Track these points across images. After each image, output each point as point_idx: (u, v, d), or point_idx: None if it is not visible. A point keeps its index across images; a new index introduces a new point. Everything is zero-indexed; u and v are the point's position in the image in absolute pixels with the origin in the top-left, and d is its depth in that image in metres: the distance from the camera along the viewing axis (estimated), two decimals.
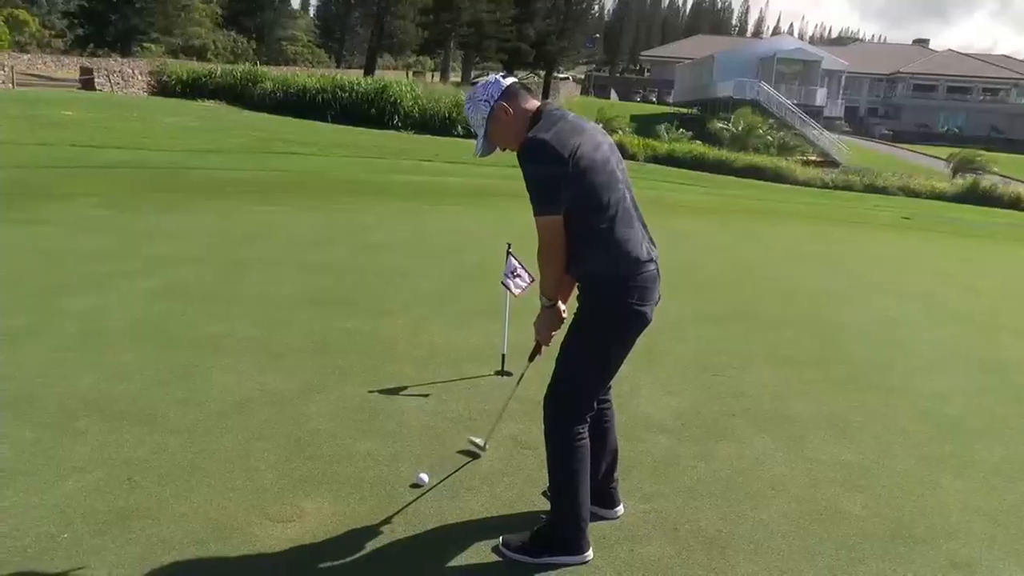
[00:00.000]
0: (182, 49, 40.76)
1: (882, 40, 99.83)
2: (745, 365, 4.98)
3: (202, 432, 3.44)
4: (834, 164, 31.05)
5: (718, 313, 6.27)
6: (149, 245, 7.10)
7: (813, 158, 31.79)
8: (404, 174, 14.62)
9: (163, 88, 29.99)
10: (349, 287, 6.17)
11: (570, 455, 2.56)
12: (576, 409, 2.59)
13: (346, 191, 11.61)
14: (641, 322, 2.52)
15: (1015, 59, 67.19)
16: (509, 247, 4.31)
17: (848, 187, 24.11)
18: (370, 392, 4.09)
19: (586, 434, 2.60)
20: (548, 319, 2.67)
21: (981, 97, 57.57)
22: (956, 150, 31.20)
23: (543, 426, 2.65)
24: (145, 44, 40.61)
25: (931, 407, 4.43)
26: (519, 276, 4.33)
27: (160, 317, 5.05)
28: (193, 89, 29.15)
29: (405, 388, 4.19)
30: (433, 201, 11.29)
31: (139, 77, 31.03)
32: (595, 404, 2.65)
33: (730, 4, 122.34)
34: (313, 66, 43.69)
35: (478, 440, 3.41)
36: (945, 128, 52.03)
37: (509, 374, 4.39)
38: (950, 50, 66.44)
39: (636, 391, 4.26)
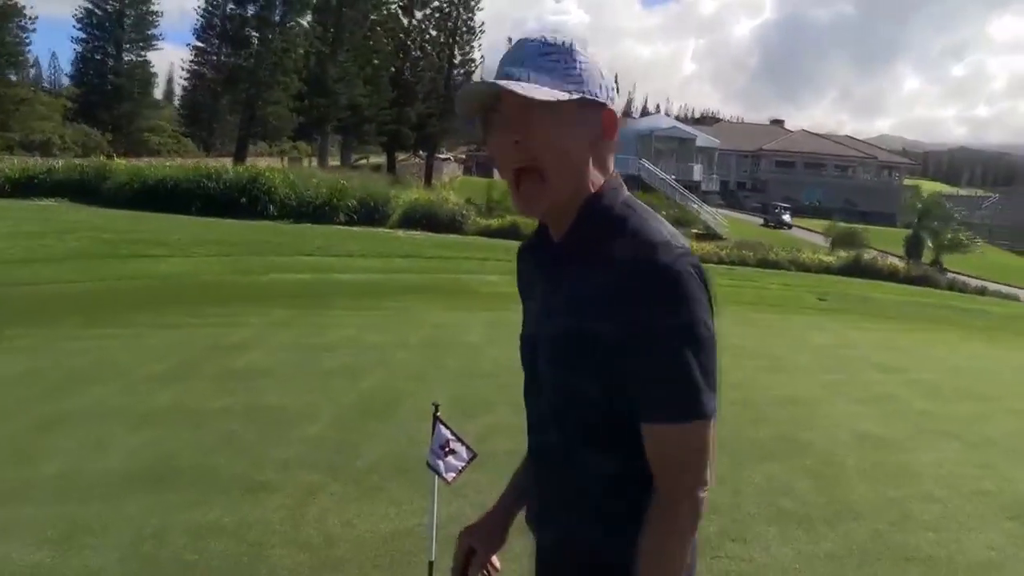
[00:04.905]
0: (21, 145, 36.44)
1: (741, 120, 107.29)
2: (745, 531, 3.84)
3: None
4: (718, 237, 31.76)
5: None
6: None
7: (697, 231, 32.51)
8: (282, 272, 12.89)
9: None
10: (206, 446, 4.55)
11: None
12: None
13: (211, 299, 9.80)
14: None
15: (856, 139, 74.89)
16: (437, 409, 2.94)
17: (743, 262, 24.36)
18: None
19: None
20: None
21: (835, 173, 62.08)
22: (826, 222, 32.76)
23: None
24: None
25: None
26: (454, 452, 2.97)
27: None
28: (27, 188, 25.65)
29: None
30: (318, 304, 9.72)
31: None
32: None
33: None
34: (180, 156, 40.61)
35: None
36: (808, 201, 55.35)
37: None
38: (803, 130, 72.07)
39: None
